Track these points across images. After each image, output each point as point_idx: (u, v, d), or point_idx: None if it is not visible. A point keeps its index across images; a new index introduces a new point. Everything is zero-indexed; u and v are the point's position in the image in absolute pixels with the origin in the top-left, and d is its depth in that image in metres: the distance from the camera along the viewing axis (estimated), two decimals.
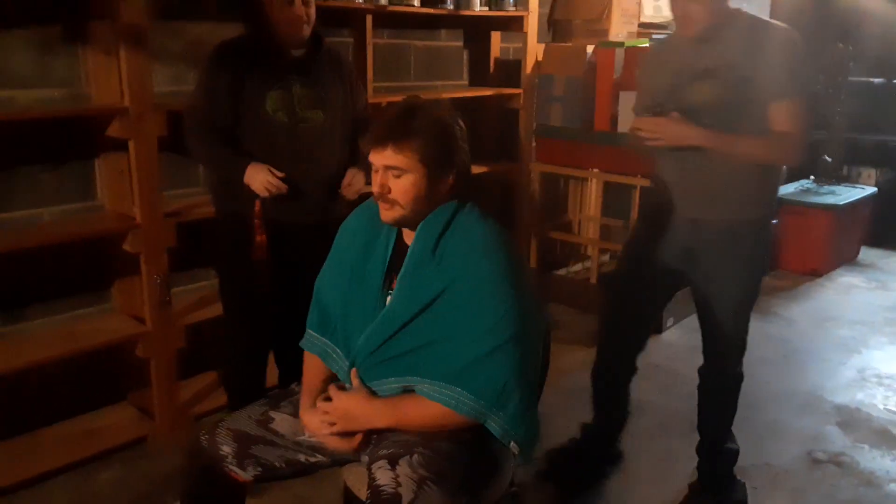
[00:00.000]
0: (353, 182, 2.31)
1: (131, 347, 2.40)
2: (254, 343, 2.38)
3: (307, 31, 2.18)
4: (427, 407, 1.44)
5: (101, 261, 2.49)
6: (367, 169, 2.17)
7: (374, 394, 1.51)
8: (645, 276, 2.16)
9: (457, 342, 1.44)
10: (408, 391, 1.49)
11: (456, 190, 1.51)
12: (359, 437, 1.51)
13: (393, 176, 1.44)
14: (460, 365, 1.42)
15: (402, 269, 1.50)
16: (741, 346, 2.18)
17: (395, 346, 1.49)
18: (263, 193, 2.11)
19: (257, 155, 2.16)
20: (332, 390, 1.53)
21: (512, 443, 1.46)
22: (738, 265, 2.05)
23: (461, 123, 1.51)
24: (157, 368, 2.45)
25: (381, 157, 1.44)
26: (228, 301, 2.35)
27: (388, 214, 1.48)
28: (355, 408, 1.49)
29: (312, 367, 1.65)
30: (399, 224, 1.51)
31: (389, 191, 1.45)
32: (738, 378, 2.21)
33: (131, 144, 2.28)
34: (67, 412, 2.49)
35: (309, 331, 1.67)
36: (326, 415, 1.51)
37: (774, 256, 4.67)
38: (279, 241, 2.22)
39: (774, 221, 2.23)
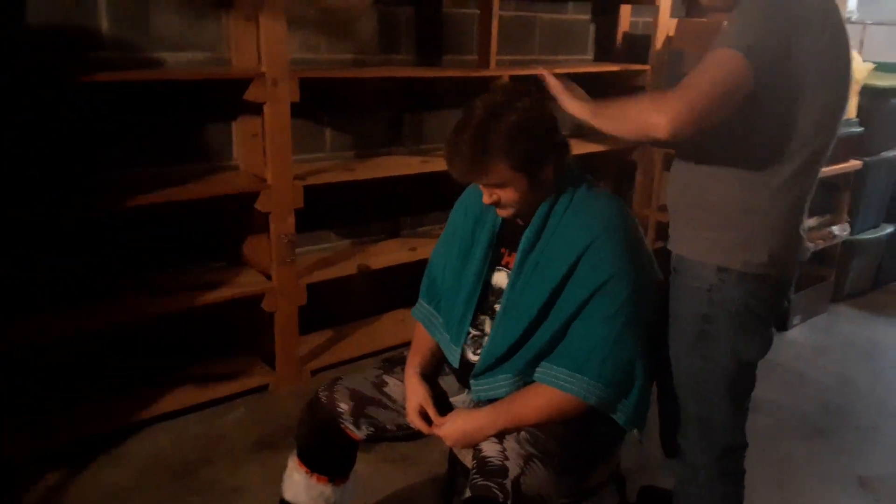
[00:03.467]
0: None
1: (258, 301, 2.55)
2: None
3: None
4: (544, 394, 1.42)
5: (234, 218, 2.64)
6: None
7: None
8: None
9: (578, 327, 1.42)
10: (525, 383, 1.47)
11: (561, 170, 1.48)
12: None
13: (496, 188, 1.43)
14: (584, 351, 1.40)
15: (518, 255, 1.49)
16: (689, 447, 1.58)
17: (525, 346, 1.47)
18: None
19: None
20: (435, 416, 1.51)
21: (635, 430, 1.45)
22: (681, 320, 1.53)
23: (539, 105, 1.43)
24: (280, 322, 2.60)
25: (477, 182, 1.45)
26: None
27: (503, 213, 1.50)
28: (468, 426, 1.46)
29: (420, 333, 1.70)
30: (517, 218, 1.51)
31: (499, 199, 1.45)
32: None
33: (266, 109, 2.39)
34: (200, 356, 2.68)
35: (419, 299, 1.72)
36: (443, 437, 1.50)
37: None
38: None
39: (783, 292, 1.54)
